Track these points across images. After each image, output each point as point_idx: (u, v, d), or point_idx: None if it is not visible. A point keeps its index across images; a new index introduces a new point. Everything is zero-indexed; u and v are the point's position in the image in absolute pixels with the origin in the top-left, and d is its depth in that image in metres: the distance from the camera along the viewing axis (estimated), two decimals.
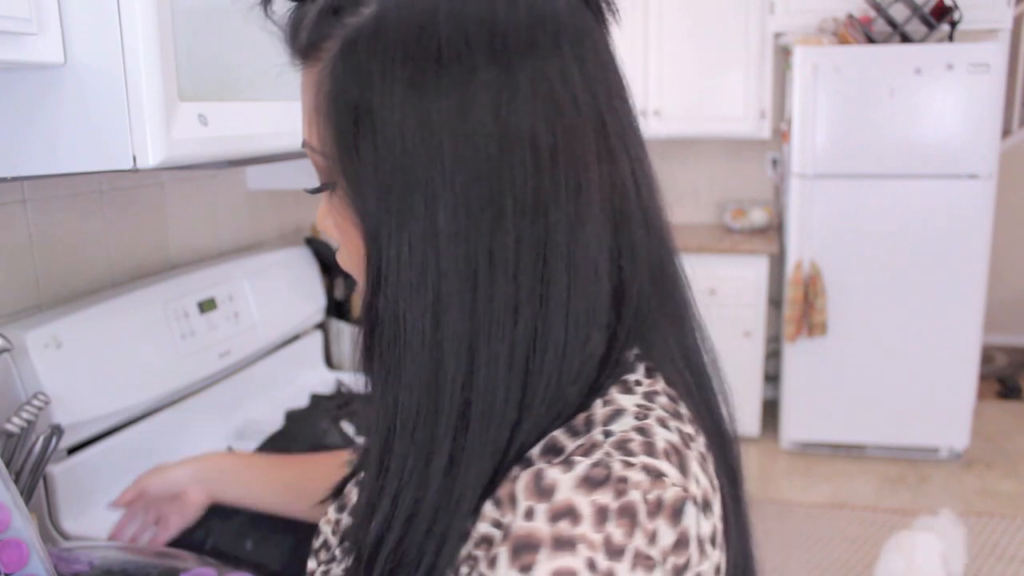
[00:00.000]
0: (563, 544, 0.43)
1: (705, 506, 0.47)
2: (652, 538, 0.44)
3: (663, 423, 0.49)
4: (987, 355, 4.12)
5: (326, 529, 0.67)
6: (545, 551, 0.43)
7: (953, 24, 3.15)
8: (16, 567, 0.77)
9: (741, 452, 0.60)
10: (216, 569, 0.85)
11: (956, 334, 3.25)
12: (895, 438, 3.39)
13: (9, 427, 0.92)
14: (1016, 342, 4.66)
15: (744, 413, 3.48)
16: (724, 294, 3.40)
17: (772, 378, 3.76)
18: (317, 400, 1.51)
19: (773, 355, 3.72)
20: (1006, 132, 4.43)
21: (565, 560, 0.43)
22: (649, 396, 0.51)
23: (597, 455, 0.46)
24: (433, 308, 0.48)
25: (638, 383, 0.52)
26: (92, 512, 1.10)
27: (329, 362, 1.82)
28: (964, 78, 3.05)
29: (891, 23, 3.19)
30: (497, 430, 0.48)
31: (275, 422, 1.40)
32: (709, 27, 3.44)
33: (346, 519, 0.66)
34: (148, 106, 0.77)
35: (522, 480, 0.46)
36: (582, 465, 0.45)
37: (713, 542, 0.48)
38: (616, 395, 0.50)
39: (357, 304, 1.90)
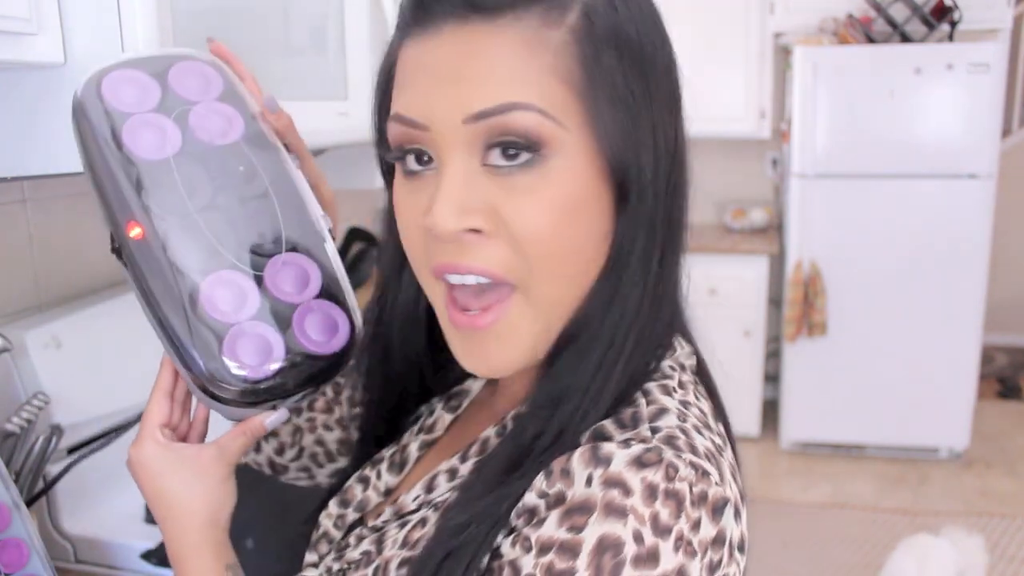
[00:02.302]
0: (614, 511, 0.44)
1: (737, 512, 0.48)
2: (695, 526, 0.45)
3: (698, 430, 0.51)
4: (987, 355, 4.11)
5: (326, 523, 0.67)
6: (597, 514, 0.44)
7: (953, 24, 3.15)
8: (16, 567, 0.77)
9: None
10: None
11: (956, 334, 3.24)
12: (895, 438, 3.39)
13: (9, 427, 0.92)
14: (1016, 342, 4.66)
15: (744, 413, 3.48)
16: (724, 294, 3.40)
17: (772, 378, 3.76)
18: None
19: (773, 355, 3.72)
20: (1006, 132, 4.43)
21: (615, 526, 0.44)
22: (684, 404, 0.52)
23: (650, 444, 0.47)
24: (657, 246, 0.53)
25: (675, 389, 0.53)
26: (92, 512, 1.10)
27: None
28: (964, 78, 3.04)
29: (891, 23, 3.19)
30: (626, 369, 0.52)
31: None
32: (709, 27, 3.44)
33: (351, 514, 0.66)
34: None
35: (578, 453, 0.47)
36: (638, 447, 0.46)
37: (741, 549, 0.48)
38: (659, 395, 0.52)
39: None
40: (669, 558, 0.44)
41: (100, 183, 0.60)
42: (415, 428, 0.69)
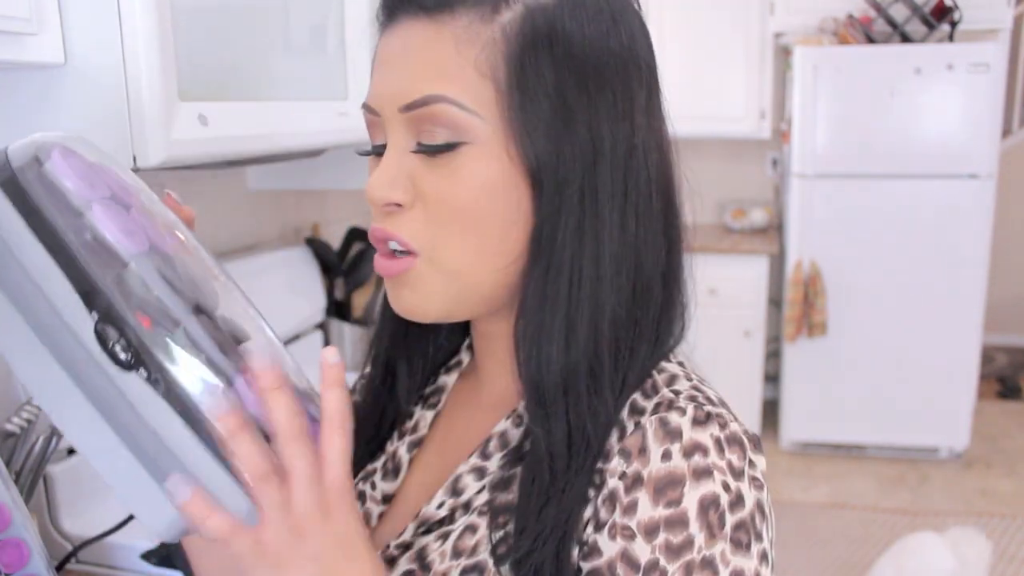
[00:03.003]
0: (701, 473, 0.49)
1: None
2: (752, 463, 0.52)
3: (703, 383, 0.57)
4: (987, 355, 4.11)
5: None
6: (688, 482, 0.49)
7: (953, 24, 3.15)
8: (16, 567, 0.77)
9: None
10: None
11: (956, 334, 3.24)
12: (895, 438, 3.39)
13: (9, 427, 0.93)
14: (1016, 342, 4.66)
15: (744, 413, 3.46)
16: (724, 294, 3.40)
17: (772, 378, 3.76)
18: None
19: (773, 355, 3.72)
20: (1006, 132, 4.43)
21: (707, 487, 0.49)
22: (681, 365, 0.59)
23: (684, 404, 0.52)
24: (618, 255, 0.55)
25: (669, 359, 0.59)
26: (92, 512, 1.10)
27: None
28: (964, 78, 3.04)
29: (891, 23, 3.19)
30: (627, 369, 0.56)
31: None
32: (709, 27, 3.44)
33: None
34: (148, 106, 0.78)
35: (649, 430, 0.51)
36: (689, 407, 0.52)
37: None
38: (663, 363, 0.58)
39: (358, 304, 1.90)
40: (749, 496, 0.50)
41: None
42: (395, 435, 0.69)
